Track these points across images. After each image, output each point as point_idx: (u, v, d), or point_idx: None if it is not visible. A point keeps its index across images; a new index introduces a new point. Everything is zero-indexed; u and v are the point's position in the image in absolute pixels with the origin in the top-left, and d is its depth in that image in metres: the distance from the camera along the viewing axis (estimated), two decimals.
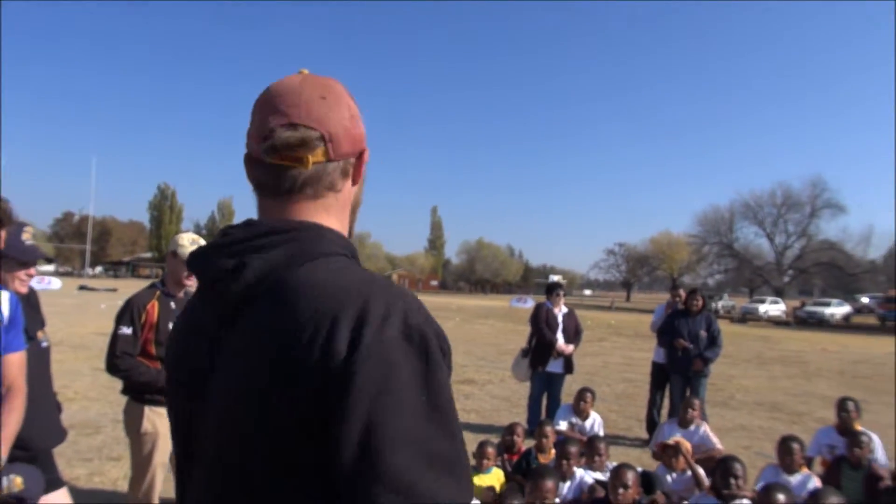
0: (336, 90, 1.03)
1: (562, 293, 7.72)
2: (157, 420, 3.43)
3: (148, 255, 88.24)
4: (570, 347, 7.33)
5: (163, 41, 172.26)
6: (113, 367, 3.39)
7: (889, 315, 38.05)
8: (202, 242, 3.59)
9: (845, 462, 4.63)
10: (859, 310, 47.44)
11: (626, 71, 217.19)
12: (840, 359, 18.47)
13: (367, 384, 0.78)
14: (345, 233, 1.04)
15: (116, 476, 5.22)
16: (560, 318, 7.45)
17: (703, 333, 7.15)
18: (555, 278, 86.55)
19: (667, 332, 7.38)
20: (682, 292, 7.79)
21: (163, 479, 3.58)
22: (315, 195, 1.00)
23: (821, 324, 37.99)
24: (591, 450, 4.51)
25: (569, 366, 7.38)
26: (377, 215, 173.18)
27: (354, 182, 1.06)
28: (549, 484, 3.51)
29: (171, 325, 3.47)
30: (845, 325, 38.58)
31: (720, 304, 45.95)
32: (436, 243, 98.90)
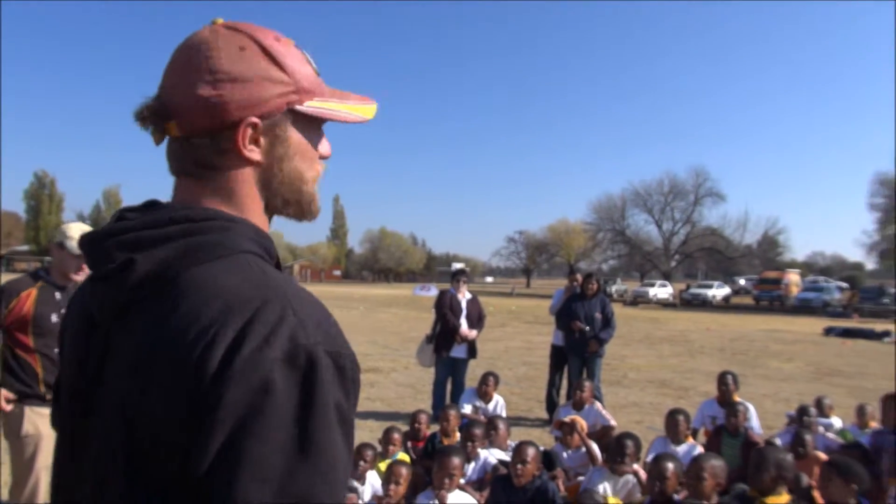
0: (203, 46, 0.87)
1: (465, 280, 7.84)
2: (39, 421, 3.24)
3: (24, 247, 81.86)
4: (474, 333, 7.47)
5: (36, 20, 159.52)
6: None
7: (763, 295, 41.29)
8: None
9: (724, 431, 5.00)
10: (737, 291, 51.18)
11: (523, 60, 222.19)
12: (720, 337, 19.87)
13: (233, 407, 0.71)
14: (256, 217, 0.91)
15: (4, 481, 4.85)
16: (464, 304, 7.57)
17: (598, 315, 7.49)
18: (458, 266, 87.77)
19: (564, 315, 7.67)
20: (579, 277, 8.12)
21: (46, 484, 3.38)
22: (197, 175, 0.89)
23: (704, 305, 40.64)
24: (489, 428, 4.64)
25: (472, 351, 7.52)
26: None
27: (245, 159, 0.88)
28: (456, 461, 3.57)
29: (54, 317, 3.28)
30: (725, 306, 41.50)
31: (614, 288, 48.13)
32: (338, 232, 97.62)
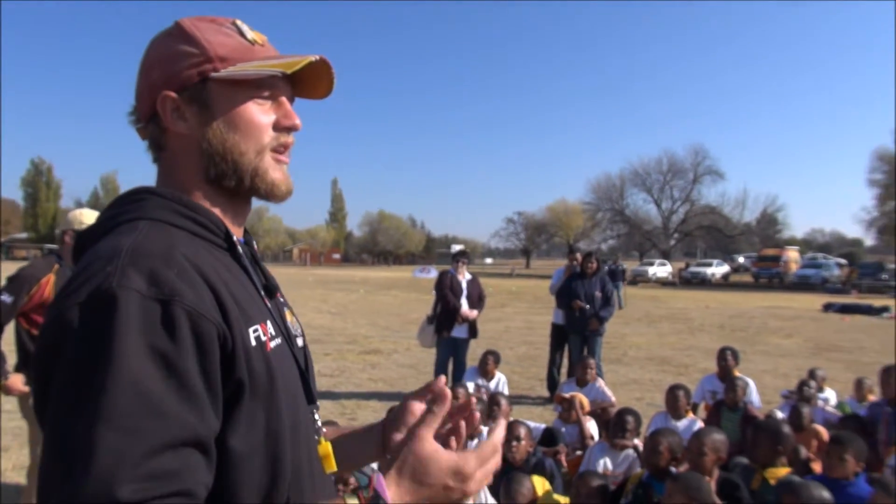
0: (148, 47, 0.99)
1: (465, 261, 7.87)
2: None
3: (23, 235, 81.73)
4: (475, 313, 7.51)
5: (33, 7, 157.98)
6: None
7: (762, 273, 41.35)
8: None
9: (724, 405, 5.05)
10: (736, 269, 51.22)
11: (521, 42, 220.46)
12: (720, 314, 19.94)
13: (44, 352, 0.77)
14: (196, 188, 0.96)
15: (4, 467, 4.91)
16: (464, 285, 7.60)
17: (597, 294, 7.53)
18: (457, 248, 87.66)
19: (565, 294, 7.71)
20: (579, 256, 8.14)
21: None
22: (156, 159, 1.00)
23: (703, 283, 40.71)
24: (491, 405, 4.70)
25: (473, 331, 7.56)
26: None
27: (171, 131, 0.95)
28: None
29: None
30: (724, 284, 41.57)
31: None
32: (337, 216, 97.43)
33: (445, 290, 7.43)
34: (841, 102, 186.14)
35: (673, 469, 3.14)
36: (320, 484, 0.96)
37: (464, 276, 7.69)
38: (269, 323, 0.92)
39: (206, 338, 0.79)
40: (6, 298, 3.30)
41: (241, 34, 0.98)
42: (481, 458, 0.86)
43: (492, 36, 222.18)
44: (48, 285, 3.37)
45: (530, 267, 73.49)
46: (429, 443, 0.85)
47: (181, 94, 0.94)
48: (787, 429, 3.42)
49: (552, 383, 7.93)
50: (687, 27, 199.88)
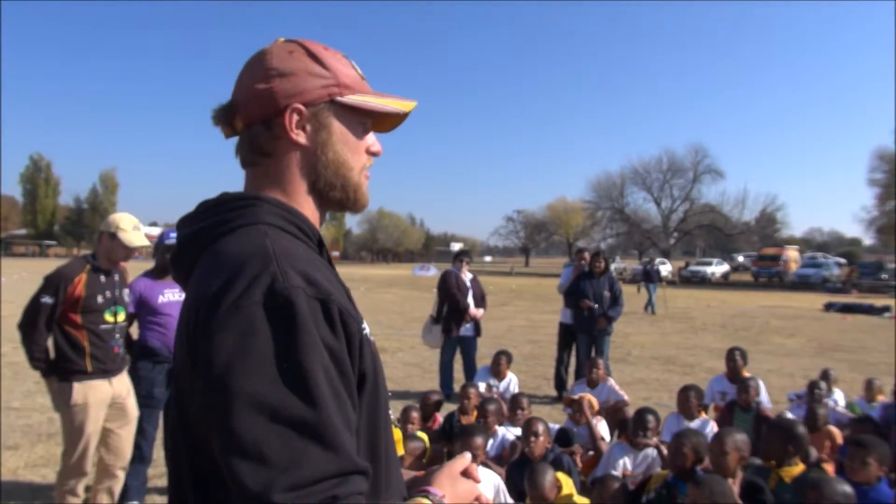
0: (262, 54, 1.05)
1: (468, 260, 7.91)
2: (88, 392, 3.55)
3: (22, 231, 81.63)
4: (481, 311, 7.54)
5: (31, 4, 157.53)
6: (26, 328, 3.52)
7: (762, 272, 41.41)
8: (142, 227, 3.73)
9: (736, 406, 5.06)
10: (736, 268, 51.33)
11: (520, 39, 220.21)
12: (721, 313, 19.97)
13: (221, 348, 0.81)
14: (298, 198, 1.05)
15: (15, 465, 4.91)
16: (468, 284, 7.63)
17: (606, 294, 7.53)
18: (457, 246, 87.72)
19: (573, 293, 7.71)
20: (587, 255, 8.14)
21: (93, 449, 3.66)
22: (254, 163, 1.06)
23: (703, 282, 40.75)
24: (514, 406, 4.70)
25: (478, 329, 7.61)
26: None
27: (293, 142, 1.03)
28: (479, 441, 3.63)
29: (100, 298, 3.60)
30: (724, 283, 41.65)
31: (613, 266, 48.04)
32: (336, 214, 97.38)
33: (453, 289, 7.44)
34: (841, 102, 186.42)
35: (698, 470, 3.14)
36: (395, 465, 1.05)
37: (465, 276, 7.71)
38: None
39: (351, 332, 0.89)
40: (47, 300, 3.49)
41: (354, 68, 1.10)
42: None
43: (494, 35, 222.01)
44: (80, 284, 3.55)
45: (529, 265, 73.60)
46: (456, 471, 1.07)
47: (307, 109, 1.03)
48: (801, 429, 3.43)
49: (559, 382, 7.93)
50: (689, 27, 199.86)
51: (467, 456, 1.11)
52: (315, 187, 1.07)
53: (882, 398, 5.87)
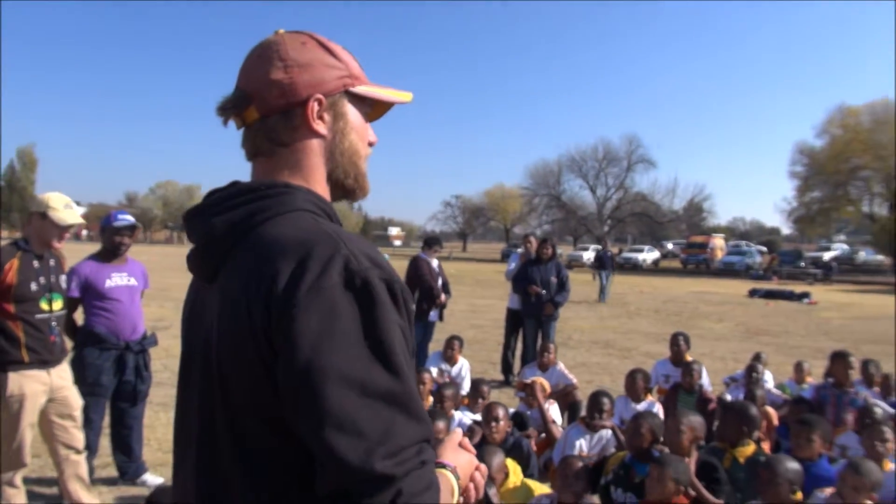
0: (272, 44, 1.06)
1: (438, 248, 7.93)
2: (24, 382, 3.37)
3: None
4: (447, 296, 7.65)
5: None
6: None
7: (690, 259, 43.03)
8: (74, 205, 3.51)
9: (680, 388, 5.27)
10: (665, 255, 53.04)
11: (457, 25, 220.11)
12: (654, 299, 20.67)
13: (306, 330, 0.83)
14: (318, 186, 1.07)
15: None
16: (437, 270, 7.67)
17: (553, 280, 7.68)
18: (395, 231, 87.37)
19: (521, 279, 7.82)
20: (533, 240, 8.27)
21: (31, 441, 3.52)
22: (270, 153, 1.06)
23: (635, 268, 41.98)
24: (475, 393, 4.75)
25: (441, 314, 7.70)
26: (206, 173, 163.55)
27: (314, 131, 1.05)
28: (440, 425, 3.66)
29: (33, 285, 3.37)
30: (655, 269, 43.04)
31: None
32: None
33: (426, 276, 7.45)
34: (766, 98, 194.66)
35: (655, 451, 3.27)
36: None
37: (433, 262, 7.74)
38: None
39: (410, 311, 0.95)
40: None
41: (355, 59, 1.13)
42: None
43: (430, 22, 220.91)
44: (12, 271, 3.34)
45: (467, 250, 74.02)
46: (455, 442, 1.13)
47: (326, 99, 1.06)
48: (754, 410, 3.61)
49: (506, 367, 8.06)
50: (622, 23, 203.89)
51: (459, 431, 1.17)
52: (332, 176, 1.09)
53: (811, 380, 6.22)
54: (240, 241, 0.97)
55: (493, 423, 3.80)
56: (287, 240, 0.92)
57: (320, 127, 1.05)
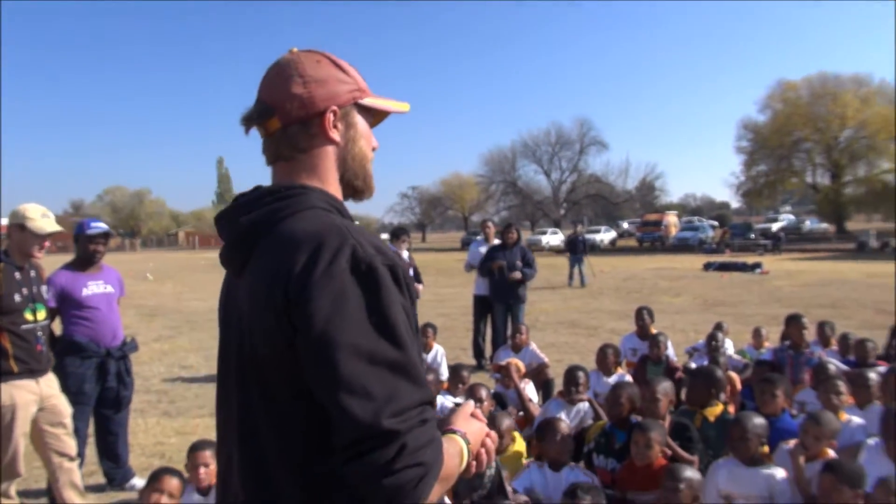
0: (291, 62, 1.20)
1: (406, 238, 8.03)
2: (15, 392, 3.38)
3: None
4: (422, 286, 7.78)
5: None
6: None
7: (645, 237, 43.99)
8: (51, 214, 3.53)
9: (648, 360, 5.52)
10: (622, 234, 54.09)
11: (408, 12, 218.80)
12: (614, 277, 21.17)
13: (320, 309, 0.97)
14: (332, 187, 1.22)
15: None
16: (408, 261, 7.77)
17: (518, 263, 7.87)
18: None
19: (487, 261, 7.96)
20: (491, 225, 8.47)
21: (24, 450, 3.54)
22: (290, 158, 1.20)
23: (593, 249, 42.59)
24: (455, 378, 4.89)
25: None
26: (156, 170, 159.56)
27: (329, 139, 1.20)
28: None
29: (17, 297, 3.39)
30: (612, 249, 43.83)
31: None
32: (225, 196, 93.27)
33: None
34: (713, 75, 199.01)
35: (633, 418, 3.47)
36: None
37: (403, 253, 7.84)
38: None
39: (412, 291, 1.09)
40: None
41: (359, 74, 1.27)
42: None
43: (380, 9, 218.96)
44: None
45: (426, 241, 74.12)
46: (467, 412, 1.28)
47: (340, 110, 1.20)
48: (720, 373, 3.85)
49: (478, 351, 8.24)
50: (568, 6, 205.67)
51: (470, 403, 1.33)
52: (344, 178, 1.24)
53: (768, 345, 6.55)
54: (263, 237, 1.11)
55: (478, 405, 3.94)
56: (303, 233, 1.05)
57: (335, 135, 1.20)
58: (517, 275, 7.74)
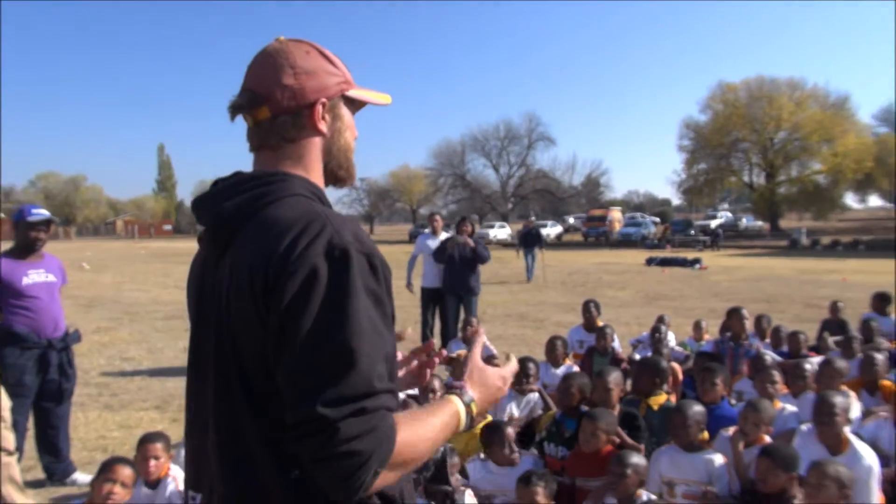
0: (280, 52, 1.20)
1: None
2: None
3: None
4: None
5: None
6: None
7: (590, 232, 44.85)
8: None
9: (595, 351, 5.66)
10: (567, 229, 54.96)
11: (363, 7, 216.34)
12: (560, 271, 21.53)
13: (288, 291, 1.00)
14: (315, 176, 1.24)
15: None
16: None
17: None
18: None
19: (441, 251, 7.96)
20: (438, 218, 8.53)
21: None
22: (275, 146, 1.21)
23: (541, 241, 43.23)
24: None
25: None
26: (93, 156, 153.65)
27: (317, 130, 1.22)
28: None
29: None
30: (558, 243, 44.47)
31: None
32: (166, 184, 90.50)
33: None
34: (657, 75, 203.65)
35: (583, 407, 3.57)
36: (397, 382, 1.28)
37: None
38: None
39: (389, 280, 1.11)
40: None
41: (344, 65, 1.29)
42: (511, 371, 1.33)
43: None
44: None
45: (374, 233, 73.73)
46: (480, 361, 1.29)
47: (328, 102, 1.22)
48: (664, 363, 4.00)
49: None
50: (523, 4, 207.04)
51: (482, 339, 1.39)
52: (327, 167, 1.27)
53: (708, 337, 6.80)
54: (247, 222, 1.12)
55: (431, 395, 3.98)
56: (285, 219, 1.08)
57: (323, 126, 1.22)
58: (469, 242, 7.74)
